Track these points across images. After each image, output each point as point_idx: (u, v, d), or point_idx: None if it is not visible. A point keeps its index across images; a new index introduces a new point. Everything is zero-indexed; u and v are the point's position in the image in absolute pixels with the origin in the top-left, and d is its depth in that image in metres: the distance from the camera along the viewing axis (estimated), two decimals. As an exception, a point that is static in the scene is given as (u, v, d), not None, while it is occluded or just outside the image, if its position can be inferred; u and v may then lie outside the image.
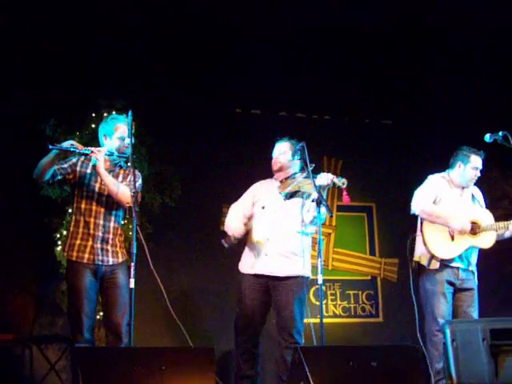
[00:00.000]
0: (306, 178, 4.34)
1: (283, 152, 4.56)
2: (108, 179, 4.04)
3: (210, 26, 5.68)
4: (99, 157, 4.01)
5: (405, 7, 5.50)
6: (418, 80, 6.44)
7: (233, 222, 4.48)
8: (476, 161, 4.79)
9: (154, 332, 5.76)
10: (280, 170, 4.57)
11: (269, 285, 4.39)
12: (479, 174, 4.84)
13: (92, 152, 4.03)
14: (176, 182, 5.94)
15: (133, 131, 3.99)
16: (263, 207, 4.48)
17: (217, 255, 5.98)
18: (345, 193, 4.18)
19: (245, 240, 4.52)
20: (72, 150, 4.01)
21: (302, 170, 4.45)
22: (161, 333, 5.72)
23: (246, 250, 4.52)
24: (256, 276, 4.39)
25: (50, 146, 3.94)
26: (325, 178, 4.23)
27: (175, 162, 6.05)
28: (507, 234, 4.72)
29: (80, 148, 4.04)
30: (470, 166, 4.79)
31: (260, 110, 6.79)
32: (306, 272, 4.46)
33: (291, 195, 4.39)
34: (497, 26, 5.75)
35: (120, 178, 4.20)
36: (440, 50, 6.08)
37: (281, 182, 4.55)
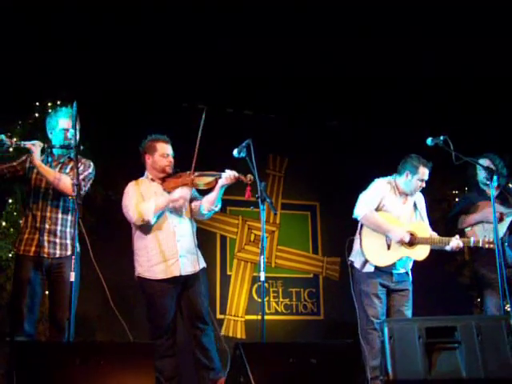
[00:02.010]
0: (201, 175, 4.41)
1: (171, 153, 4.61)
2: (45, 170, 4.02)
3: (161, 19, 5.62)
4: (34, 149, 3.98)
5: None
6: (365, 81, 6.53)
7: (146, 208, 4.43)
8: (424, 173, 4.86)
9: (96, 326, 5.69)
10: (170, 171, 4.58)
11: (179, 283, 4.41)
12: (424, 185, 4.92)
13: (27, 145, 3.99)
14: (121, 175, 5.87)
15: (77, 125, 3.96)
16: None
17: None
18: (248, 188, 4.20)
19: (142, 244, 4.48)
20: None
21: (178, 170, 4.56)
22: (102, 327, 5.64)
23: (151, 254, 4.42)
24: (168, 279, 4.38)
25: None
26: (229, 177, 4.32)
27: (120, 156, 5.97)
28: (448, 249, 4.83)
29: (11, 142, 3.99)
30: (416, 178, 4.86)
31: (207, 106, 6.75)
32: (204, 263, 4.59)
33: None
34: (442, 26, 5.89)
35: (67, 169, 4.17)
36: (386, 53, 6.17)
37: (162, 180, 4.55)
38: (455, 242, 4.77)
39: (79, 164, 4.10)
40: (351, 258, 4.90)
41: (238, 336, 6.44)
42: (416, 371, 3.42)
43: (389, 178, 4.99)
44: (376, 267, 4.76)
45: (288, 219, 6.97)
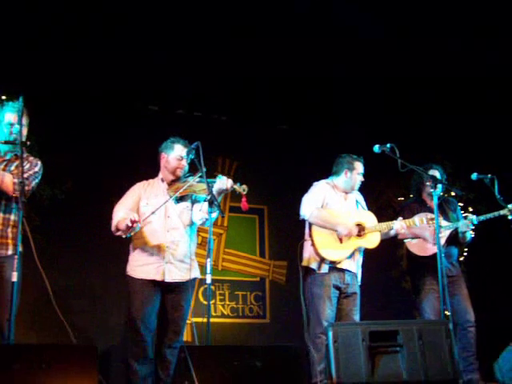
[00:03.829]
0: (200, 182, 4.33)
1: (185, 156, 4.50)
2: None
3: (113, 18, 5.55)
4: None
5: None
6: (315, 86, 6.60)
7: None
8: (360, 167, 5.04)
9: (38, 328, 5.58)
10: (180, 175, 4.52)
11: (163, 289, 4.37)
12: (363, 179, 5.06)
13: None
14: (68, 175, 5.78)
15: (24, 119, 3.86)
16: (153, 212, 4.39)
17: (104, 252, 5.90)
18: (244, 199, 4.19)
19: (135, 244, 4.45)
20: None
21: (193, 171, 4.41)
22: (44, 329, 5.53)
23: (139, 255, 4.40)
24: (152, 281, 4.34)
25: None
26: (224, 183, 4.23)
27: (68, 154, 5.88)
28: (392, 232, 4.97)
29: None
30: (355, 173, 5.02)
31: (158, 107, 6.72)
32: (198, 274, 4.53)
33: (180, 198, 4.38)
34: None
35: (12, 167, 4.06)
36: (335, 55, 6.24)
37: (169, 184, 4.52)
38: (398, 224, 4.91)
39: (26, 162, 4.01)
40: (304, 264, 4.92)
41: (184, 339, 6.40)
42: (359, 374, 3.48)
43: (326, 180, 5.12)
44: (330, 267, 4.81)
45: (236, 222, 6.99)
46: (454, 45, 6.04)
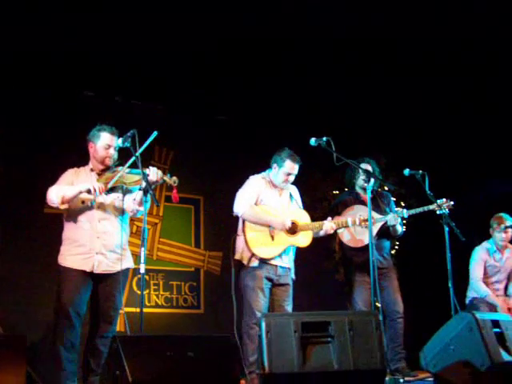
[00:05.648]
0: (130, 173, 4.28)
1: (114, 146, 4.44)
2: None
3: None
4: None
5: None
6: (254, 77, 6.60)
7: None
8: (290, 167, 4.97)
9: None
10: (109, 164, 4.46)
11: (95, 278, 4.35)
12: (292, 179, 5.05)
13: None
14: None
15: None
16: (83, 202, 4.34)
17: (35, 241, 5.76)
18: (174, 191, 4.19)
19: (66, 234, 4.40)
20: None
21: (123, 159, 4.37)
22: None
23: (70, 245, 4.37)
24: (83, 271, 4.30)
25: None
26: (154, 175, 4.21)
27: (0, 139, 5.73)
28: (322, 233, 5.03)
29: None
30: (282, 171, 4.99)
31: (93, 93, 6.59)
32: (132, 264, 4.54)
33: (111, 189, 4.33)
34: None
35: None
36: (280, 49, 6.25)
37: (98, 174, 4.45)
38: (328, 225, 4.98)
39: None
40: (237, 257, 4.94)
41: (117, 329, 6.32)
42: (291, 364, 3.52)
43: (263, 174, 5.13)
44: (261, 260, 4.84)
45: (171, 212, 6.94)
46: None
